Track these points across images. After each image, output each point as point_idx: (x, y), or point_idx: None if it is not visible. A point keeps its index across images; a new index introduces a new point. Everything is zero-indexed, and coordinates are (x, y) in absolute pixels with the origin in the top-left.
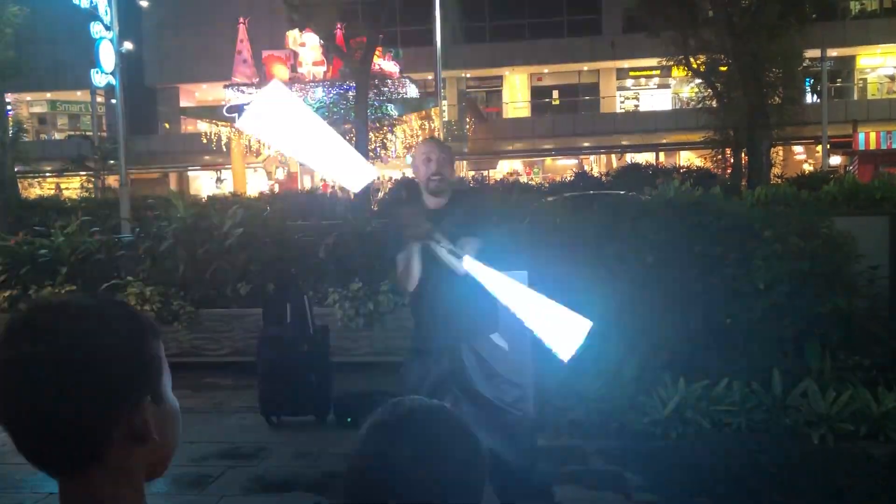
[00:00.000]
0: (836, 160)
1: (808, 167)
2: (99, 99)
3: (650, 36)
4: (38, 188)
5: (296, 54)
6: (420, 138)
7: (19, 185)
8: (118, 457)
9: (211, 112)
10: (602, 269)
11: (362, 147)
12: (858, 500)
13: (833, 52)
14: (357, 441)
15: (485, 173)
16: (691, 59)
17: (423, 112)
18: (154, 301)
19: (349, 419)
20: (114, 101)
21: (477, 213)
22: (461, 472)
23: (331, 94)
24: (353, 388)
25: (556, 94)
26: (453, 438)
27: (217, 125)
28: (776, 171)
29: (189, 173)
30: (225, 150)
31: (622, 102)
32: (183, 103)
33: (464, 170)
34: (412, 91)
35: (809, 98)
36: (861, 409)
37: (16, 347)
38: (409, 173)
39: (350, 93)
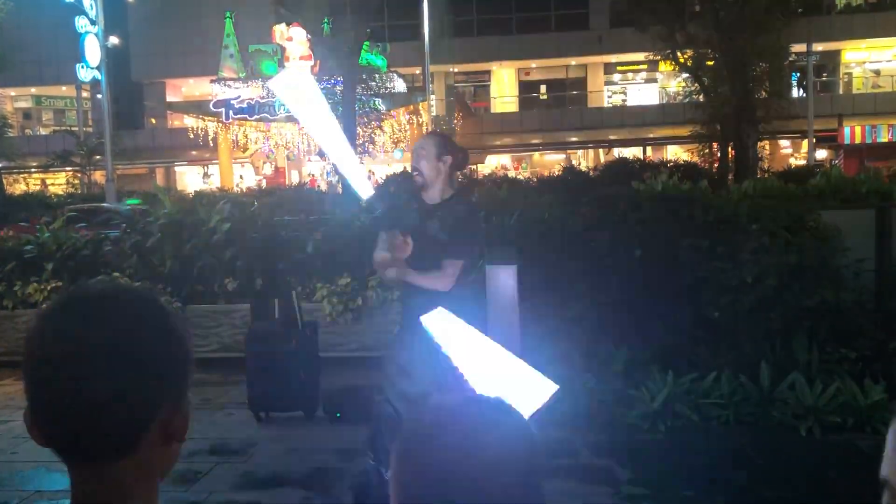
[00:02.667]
0: (821, 154)
1: (794, 161)
2: (84, 94)
3: (637, 31)
4: (23, 184)
5: (283, 49)
6: (408, 133)
7: (4, 181)
8: (147, 452)
9: (198, 107)
10: (590, 263)
11: (350, 142)
12: (846, 492)
13: (819, 47)
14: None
15: (473, 168)
16: (678, 54)
17: (411, 106)
18: None
19: (338, 414)
20: (99, 95)
21: (460, 228)
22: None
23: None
24: (342, 383)
25: (543, 88)
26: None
27: (204, 120)
28: (763, 165)
29: (176, 168)
30: (212, 145)
31: (610, 97)
32: (169, 98)
33: None
34: (399, 85)
35: (795, 92)
36: (848, 401)
37: (70, 328)
38: (402, 167)
39: (337, 87)
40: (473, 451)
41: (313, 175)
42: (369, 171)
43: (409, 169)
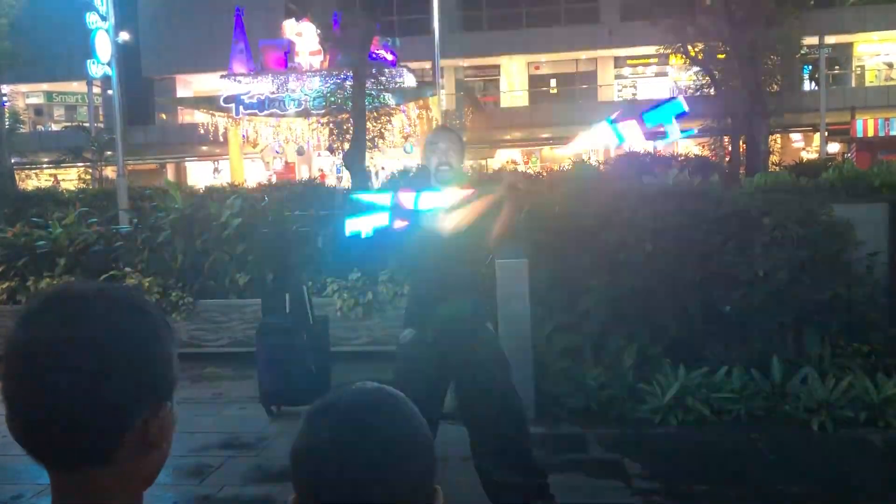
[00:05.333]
0: (834, 147)
1: (806, 155)
2: (95, 90)
3: (648, 24)
4: (35, 180)
5: (293, 44)
6: (418, 128)
7: (16, 177)
8: (128, 456)
9: (208, 102)
10: (601, 257)
11: (360, 136)
12: (858, 487)
13: (831, 40)
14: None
15: (482, 162)
16: (689, 47)
17: (421, 101)
18: (152, 292)
19: None
20: (110, 91)
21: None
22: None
23: (328, 84)
24: (353, 377)
25: (553, 82)
26: (396, 428)
27: (214, 115)
28: (774, 158)
29: (186, 164)
30: (222, 140)
31: (620, 91)
32: (180, 93)
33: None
34: (409, 80)
35: (807, 85)
36: (860, 395)
37: (47, 329)
38: (406, 163)
39: (347, 82)
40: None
41: (322, 170)
42: (381, 167)
43: (420, 163)
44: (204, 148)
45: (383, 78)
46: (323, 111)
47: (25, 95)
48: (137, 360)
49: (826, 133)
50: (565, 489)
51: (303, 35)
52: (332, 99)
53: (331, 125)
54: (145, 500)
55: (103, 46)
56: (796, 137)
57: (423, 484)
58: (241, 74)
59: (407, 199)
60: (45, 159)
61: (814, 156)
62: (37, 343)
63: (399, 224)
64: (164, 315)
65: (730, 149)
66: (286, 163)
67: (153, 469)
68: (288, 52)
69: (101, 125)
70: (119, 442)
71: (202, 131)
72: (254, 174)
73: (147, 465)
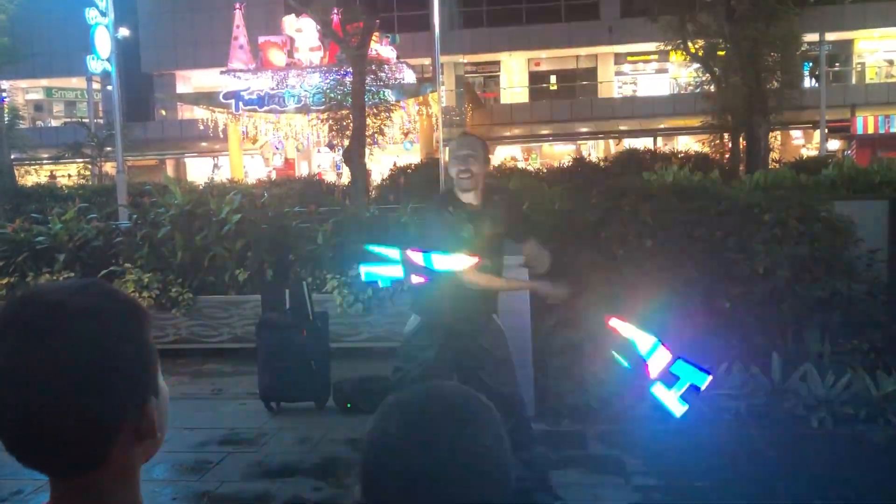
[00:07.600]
0: (834, 144)
1: (806, 152)
2: (95, 85)
3: (648, 20)
4: (34, 175)
5: (292, 40)
6: (417, 124)
7: (16, 173)
8: (121, 455)
9: (208, 98)
10: (601, 254)
11: (360, 133)
12: (857, 484)
13: (831, 37)
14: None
15: None
16: (689, 44)
17: (421, 97)
18: (152, 288)
19: (348, 405)
20: (110, 87)
21: (512, 216)
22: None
23: (328, 80)
24: (353, 373)
25: (553, 79)
26: (479, 427)
27: (214, 111)
28: (774, 155)
29: (186, 160)
30: (222, 136)
31: (620, 87)
32: (179, 89)
33: None
34: (409, 76)
35: (808, 82)
36: (860, 392)
37: (13, 350)
38: (406, 159)
39: (347, 78)
40: (440, 453)
41: (321, 167)
42: (394, 161)
43: (423, 160)
44: (203, 144)
45: (383, 74)
46: (323, 107)
47: (25, 91)
48: (106, 370)
49: (826, 130)
50: (565, 486)
51: (303, 31)
52: (332, 95)
53: (330, 121)
54: (145, 497)
55: (103, 42)
56: (796, 134)
57: (485, 500)
58: (241, 70)
59: (416, 257)
60: (45, 155)
61: (814, 153)
62: (3, 365)
63: (416, 280)
64: (133, 307)
65: (730, 146)
66: (286, 159)
67: (151, 451)
68: (288, 48)
69: (101, 121)
70: (109, 446)
71: (202, 127)
72: (253, 170)
73: (145, 451)
